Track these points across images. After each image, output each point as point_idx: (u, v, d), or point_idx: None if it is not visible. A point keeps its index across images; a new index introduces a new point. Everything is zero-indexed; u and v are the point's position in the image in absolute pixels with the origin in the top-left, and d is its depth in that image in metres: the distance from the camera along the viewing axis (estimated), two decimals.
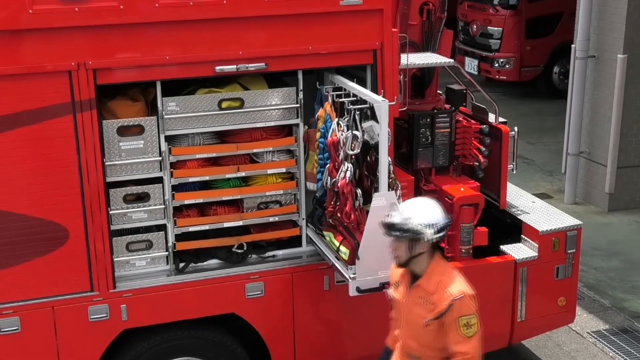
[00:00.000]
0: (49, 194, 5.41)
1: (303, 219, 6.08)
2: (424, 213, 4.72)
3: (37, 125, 5.32)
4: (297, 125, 5.94)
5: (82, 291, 5.59)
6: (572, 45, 10.71)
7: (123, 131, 5.57)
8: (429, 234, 4.67)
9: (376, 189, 5.37)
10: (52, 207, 5.42)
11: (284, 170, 6.00)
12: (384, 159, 5.33)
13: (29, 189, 5.38)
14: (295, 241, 6.15)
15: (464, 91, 6.98)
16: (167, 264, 5.88)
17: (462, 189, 6.37)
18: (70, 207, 5.46)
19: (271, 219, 6.03)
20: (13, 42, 5.18)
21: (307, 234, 6.10)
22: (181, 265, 5.89)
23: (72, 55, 5.27)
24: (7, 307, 5.47)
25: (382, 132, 5.30)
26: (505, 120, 6.76)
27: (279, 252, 6.10)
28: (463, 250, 6.29)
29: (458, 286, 4.70)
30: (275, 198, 6.01)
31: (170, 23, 5.42)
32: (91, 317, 5.63)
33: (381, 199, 5.30)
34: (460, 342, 4.65)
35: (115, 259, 5.67)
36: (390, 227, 4.73)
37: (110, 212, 5.61)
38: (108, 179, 5.57)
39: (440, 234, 4.73)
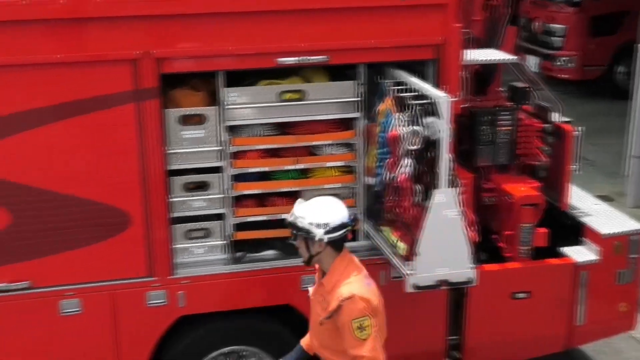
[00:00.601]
0: (111, 180, 5.50)
1: (361, 213, 6.07)
2: (316, 213, 4.80)
3: (101, 113, 5.41)
4: (357, 119, 5.93)
5: (141, 276, 5.68)
6: (636, 44, 10.48)
7: (185, 120, 5.63)
8: (319, 233, 4.73)
9: (436, 186, 5.33)
10: (114, 192, 5.51)
11: (342, 163, 6.00)
12: (445, 156, 5.29)
13: (92, 174, 5.48)
14: (352, 235, 6.11)
15: (527, 89, 6.88)
16: (225, 252, 5.92)
17: (522, 189, 6.28)
18: (131, 193, 5.54)
19: None
20: (79, 29, 5.27)
21: (364, 228, 6.09)
22: (238, 254, 5.94)
23: (137, 44, 5.33)
24: (68, 289, 5.58)
25: (443, 128, 5.26)
26: (570, 119, 6.65)
27: None
28: (522, 251, 6.21)
29: (350, 287, 4.71)
30: (333, 191, 5.99)
31: (234, 14, 5.45)
32: (149, 302, 5.72)
33: (441, 196, 5.26)
34: (356, 346, 4.68)
35: (174, 246, 5.75)
36: (286, 225, 4.83)
37: (171, 200, 5.68)
38: (169, 167, 5.63)
39: (333, 234, 4.75)
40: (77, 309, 5.63)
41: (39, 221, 5.48)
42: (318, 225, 4.77)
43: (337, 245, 4.85)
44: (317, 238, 4.76)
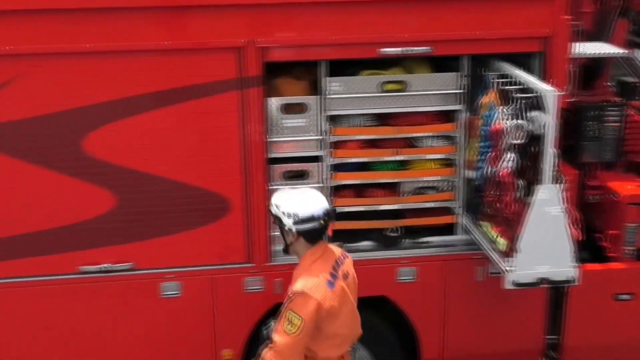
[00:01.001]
0: (213, 166, 5.59)
1: (460, 206, 5.99)
2: (289, 202, 4.76)
3: (205, 100, 5.50)
4: (459, 111, 5.84)
5: (239, 262, 5.76)
6: None
7: (287, 109, 5.67)
8: (288, 223, 4.70)
9: (539, 181, 5.20)
10: (216, 179, 5.61)
11: (442, 156, 5.93)
12: (549, 151, 5.15)
13: (194, 160, 5.59)
14: (450, 228, 6.07)
15: (637, 84, 6.64)
16: None
17: (629, 187, 6.08)
18: (232, 180, 5.62)
19: (427, 205, 5.98)
20: (186, 17, 5.36)
21: (462, 222, 6.01)
22: (335, 244, 5.93)
23: (242, 33, 5.39)
24: (169, 272, 5.72)
25: (548, 122, 5.13)
26: None
27: (433, 239, 6.05)
28: (626, 251, 6.01)
29: (305, 283, 4.57)
30: (432, 184, 5.95)
31: (338, 3, 5.45)
32: (247, 288, 5.80)
33: (544, 192, 5.14)
34: (278, 332, 4.57)
35: (272, 234, 5.80)
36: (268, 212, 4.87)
37: (270, 188, 5.73)
38: (269, 155, 5.69)
39: (302, 226, 4.68)
40: (177, 292, 5.76)
41: (143, 204, 5.62)
42: (288, 215, 4.73)
43: (310, 237, 4.73)
44: (286, 228, 4.74)
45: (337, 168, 5.86)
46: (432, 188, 5.97)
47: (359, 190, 5.98)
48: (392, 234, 5.99)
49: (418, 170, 5.94)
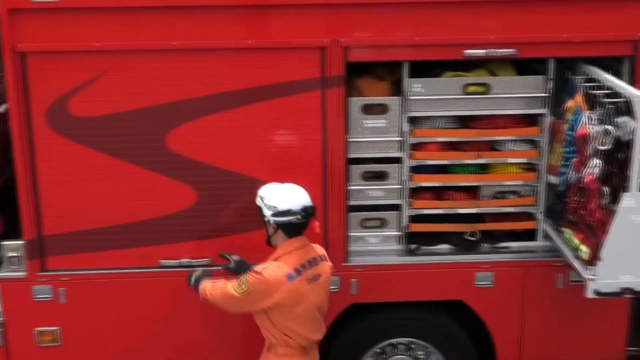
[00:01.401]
0: (293, 165, 5.62)
1: (541, 212, 5.88)
2: (272, 195, 5.05)
3: (288, 98, 5.53)
4: (543, 115, 5.73)
5: None
6: None
7: (367, 109, 5.65)
8: (267, 214, 5.00)
9: (625, 189, 5.06)
10: (295, 178, 5.60)
11: (524, 160, 5.83)
12: (637, 157, 5.00)
13: (274, 158, 5.62)
14: (530, 234, 5.96)
15: None
16: (399, 244, 5.91)
17: None
18: (312, 179, 5.62)
19: (507, 210, 5.89)
20: (269, 16, 5.39)
21: (543, 229, 5.89)
22: (413, 246, 5.91)
23: (326, 32, 5.40)
24: None
25: (637, 128, 4.98)
26: None
27: (513, 244, 5.95)
28: None
29: (267, 267, 4.93)
30: (513, 188, 5.86)
31: (422, 4, 5.40)
32: None
33: (630, 200, 5.00)
34: (231, 283, 5.02)
35: (349, 234, 5.79)
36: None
37: (349, 188, 5.72)
38: (349, 155, 5.68)
39: (279, 219, 4.95)
40: None
41: (222, 201, 5.68)
42: (268, 207, 5.01)
43: (287, 230, 5.01)
44: (265, 219, 5.02)
45: (416, 170, 5.82)
46: (513, 192, 5.87)
47: (438, 193, 5.92)
48: (470, 238, 5.92)
49: (499, 174, 5.84)
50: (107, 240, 5.69)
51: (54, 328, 5.78)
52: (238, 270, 5.31)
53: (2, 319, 5.75)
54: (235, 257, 5.46)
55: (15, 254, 5.65)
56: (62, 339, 5.81)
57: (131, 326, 5.83)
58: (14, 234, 5.85)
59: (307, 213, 5.01)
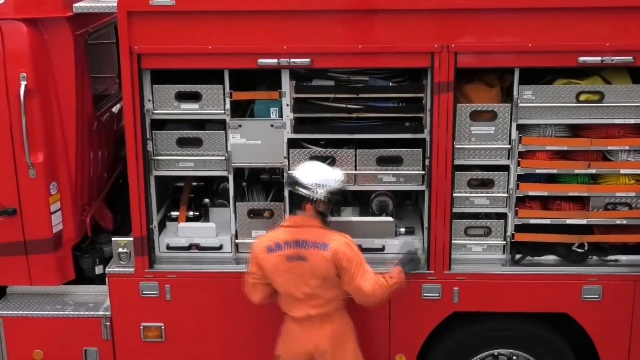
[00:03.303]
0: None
1: None
2: (303, 166, 5.32)
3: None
4: None
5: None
6: None
7: (476, 116, 5.57)
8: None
9: None
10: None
11: (638, 171, 5.65)
12: None
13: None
14: None
15: None
16: (504, 253, 5.81)
17: None
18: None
19: (618, 222, 5.71)
20: (379, 21, 5.37)
21: None
22: (518, 256, 5.80)
23: (436, 37, 5.35)
24: None
25: None
26: None
27: (623, 257, 5.78)
28: None
29: (258, 238, 5.33)
30: (625, 200, 5.67)
31: (535, 10, 5.30)
32: (424, 294, 5.75)
33: None
34: None
35: (453, 242, 5.72)
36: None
37: (454, 195, 5.66)
38: (456, 162, 5.61)
39: (290, 187, 5.25)
40: None
41: None
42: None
43: (292, 200, 5.42)
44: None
45: (523, 178, 5.70)
46: (625, 204, 5.69)
47: (545, 202, 5.79)
48: (578, 250, 5.77)
49: (610, 185, 5.68)
50: None
51: (159, 324, 5.90)
52: None
53: (109, 313, 5.91)
54: None
55: (124, 250, 5.79)
56: (166, 335, 5.93)
57: (232, 324, 5.89)
58: (124, 231, 6.03)
59: (312, 191, 5.06)
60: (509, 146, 5.60)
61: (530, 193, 5.72)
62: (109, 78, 6.70)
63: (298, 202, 5.23)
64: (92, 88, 6.00)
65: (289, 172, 5.36)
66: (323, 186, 5.08)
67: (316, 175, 5.12)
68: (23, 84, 5.49)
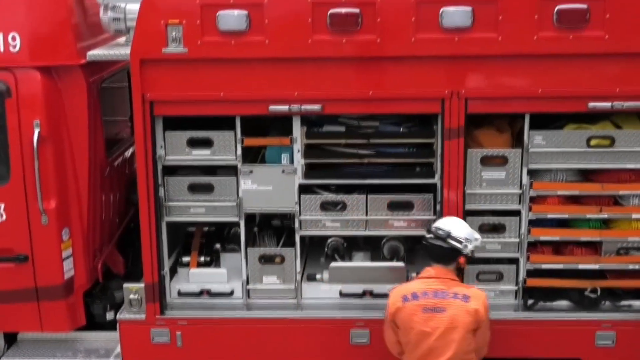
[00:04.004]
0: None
1: None
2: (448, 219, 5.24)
3: None
4: None
5: None
6: None
7: (486, 161, 5.59)
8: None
9: None
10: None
11: None
12: None
13: None
14: None
15: None
16: (516, 298, 5.79)
17: None
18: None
19: (630, 266, 5.69)
20: (390, 68, 5.41)
21: None
22: (530, 302, 5.76)
23: (446, 84, 5.39)
24: (359, 319, 5.74)
25: None
26: None
27: (636, 302, 5.75)
28: None
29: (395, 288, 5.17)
30: (637, 245, 5.65)
31: (545, 56, 5.33)
32: None
33: None
34: None
35: None
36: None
37: None
38: (467, 207, 5.61)
39: (429, 241, 5.09)
40: (366, 340, 5.77)
41: None
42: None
43: (427, 252, 5.16)
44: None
45: (535, 223, 5.69)
46: (637, 249, 5.66)
47: (557, 247, 5.78)
48: (591, 295, 5.73)
49: (623, 230, 5.67)
50: None
51: None
52: None
53: None
54: None
55: (135, 297, 5.79)
56: None
57: None
58: (135, 275, 6.03)
59: (466, 246, 5.01)
60: (520, 191, 5.61)
61: (542, 238, 5.72)
62: (122, 122, 6.75)
63: (441, 254, 5.05)
64: (104, 133, 6.06)
65: (434, 226, 5.12)
66: (471, 241, 5.06)
67: (465, 230, 5.08)
68: (36, 131, 5.54)
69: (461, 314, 4.89)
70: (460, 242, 5.00)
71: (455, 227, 5.06)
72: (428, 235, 5.06)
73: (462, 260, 5.02)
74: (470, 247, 5.03)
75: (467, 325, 4.89)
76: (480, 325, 4.95)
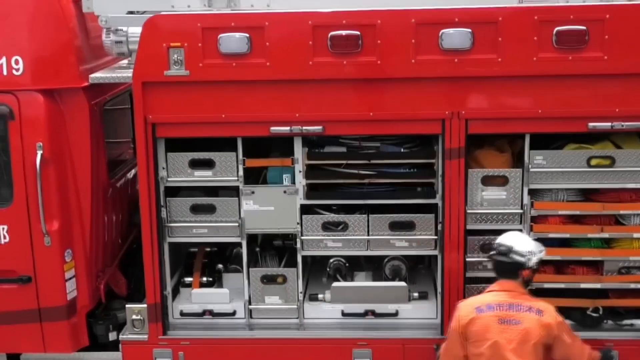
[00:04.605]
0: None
1: None
2: (511, 235, 5.15)
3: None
4: None
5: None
6: None
7: (487, 181, 5.60)
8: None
9: None
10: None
11: None
12: None
13: None
14: None
15: None
16: None
17: None
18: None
19: (632, 286, 5.69)
20: (388, 89, 5.43)
21: None
22: None
23: (447, 105, 5.42)
24: (361, 339, 5.77)
25: None
26: None
27: (638, 322, 5.75)
28: None
29: (465, 300, 5.12)
30: (639, 264, 5.66)
31: (545, 77, 5.35)
32: None
33: None
34: None
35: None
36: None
37: (467, 259, 5.66)
38: (468, 227, 5.63)
39: (495, 256, 5.07)
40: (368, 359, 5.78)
41: None
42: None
43: (494, 268, 5.13)
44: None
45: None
46: (639, 268, 5.67)
47: (558, 267, 5.78)
48: (593, 314, 5.73)
49: (624, 249, 5.67)
50: None
51: None
52: None
53: None
54: None
55: (138, 317, 5.80)
56: None
57: None
58: (138, 296, 6.05)
59: (530, 259, 4.98)
60: (521, 211, 5.62)
61: (544, 258, 5.71)
62: (124, 143, 6.79)
63: (505, 269, 5.01)
64: (107, 155, 6.09)
65: (496, 242, 5.11)
66: (534, 254, 5.04)
67: (529, 244, 5.07)
68: (39, 153, 5.57)
69: (535, 327, 4.86)
70: (523, 255, 4.98)
71: (517, 242, 5.05)
72: (492, 252, 5.08)
73: (525, 273, 4.99)
74: (534, 259, 5.01)
75: (541, 339, 4.87)
76: (555, 339, 4.92)
